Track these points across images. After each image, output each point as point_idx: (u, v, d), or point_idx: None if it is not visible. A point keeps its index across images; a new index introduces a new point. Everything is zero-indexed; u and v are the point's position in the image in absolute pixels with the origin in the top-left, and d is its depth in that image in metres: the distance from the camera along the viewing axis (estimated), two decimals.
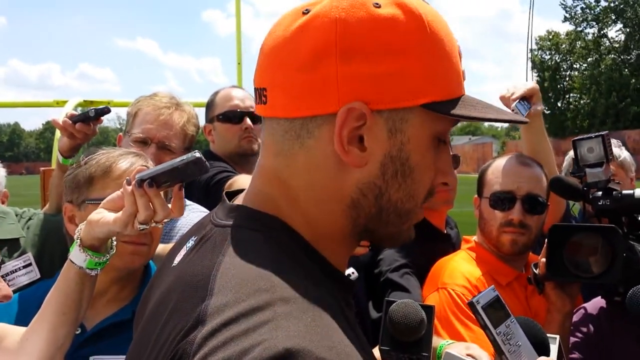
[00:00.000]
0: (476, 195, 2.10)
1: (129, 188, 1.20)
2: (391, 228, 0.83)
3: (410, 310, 1.29)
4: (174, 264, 0.86)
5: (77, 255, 1.28)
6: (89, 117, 2.08)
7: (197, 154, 1.13)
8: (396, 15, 0.75)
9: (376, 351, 1.31)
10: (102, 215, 1.25)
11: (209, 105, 2.82)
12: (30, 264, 1.88)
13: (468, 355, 1.44)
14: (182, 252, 0.86)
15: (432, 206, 2.24)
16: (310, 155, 0.78)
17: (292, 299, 0.66)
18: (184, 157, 1.14)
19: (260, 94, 0.82)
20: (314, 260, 0.79)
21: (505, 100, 2.07)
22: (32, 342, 1.29)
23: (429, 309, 1.30)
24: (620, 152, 2.58)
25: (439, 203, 2.25)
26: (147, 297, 0.91)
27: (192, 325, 0.67)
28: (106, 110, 2.11)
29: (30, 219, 2.23)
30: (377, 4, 0.75)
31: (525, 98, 2.03)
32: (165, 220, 1.23)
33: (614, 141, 2.59)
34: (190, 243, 0.85)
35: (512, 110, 2.00)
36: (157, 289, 0.87)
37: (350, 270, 1.43)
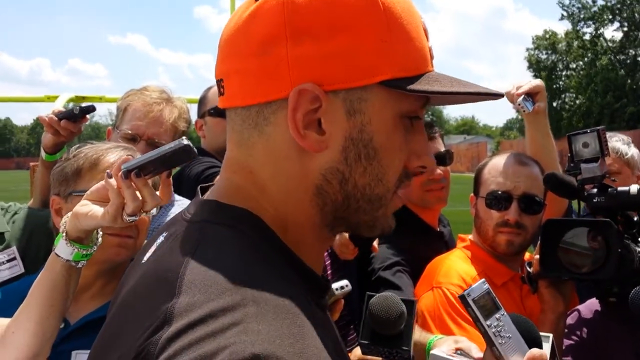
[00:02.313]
0: (472, 194, 2.07)
1: (112, 181, 1.17)
2: (362, 215, 0.79)
3: (390, 303, 1.28)
4: (143, 261, 0.83)
5: (63, 249, 1.26)
6: (75, 114, 2.09)
7: (185, 141, 1.11)
8: None
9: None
10: (90, 208, 1.22)
11: (201, 101, 2.82)
12: (14, 258, 1.85)
13: (458, 348, 1.42)
14: (152, 248, 0.83)
15: (425, 204, 2.24)
16: (270, 143, 0.76)
17: (264, 299, 0.63)
18: (172, 144, 1.12)
19: (219, 86, 0.80)
20: (286, 257, 0.75)
21: (509, 95, 2.05)
22: (20, 335, 1.27)
23: (410, 303, 1.29)
24: (628, 149, 2.52)
25: (432, 201, 2.25)
26: (117, 295, 0.89)
27: (158, 325, 0.63)
28: (92, 109, 2.13)
29: (15, 213, 2.20)
30: None
31: (530, 95, 2.01)
32: (153, 212, 1.22)
33: (623, 138, 2.54)
34: (160, 239, 0.82)
35: (518, 105, 1.98)
36: (125, 287, 0.84)
37: (344, 282, 1.40)
